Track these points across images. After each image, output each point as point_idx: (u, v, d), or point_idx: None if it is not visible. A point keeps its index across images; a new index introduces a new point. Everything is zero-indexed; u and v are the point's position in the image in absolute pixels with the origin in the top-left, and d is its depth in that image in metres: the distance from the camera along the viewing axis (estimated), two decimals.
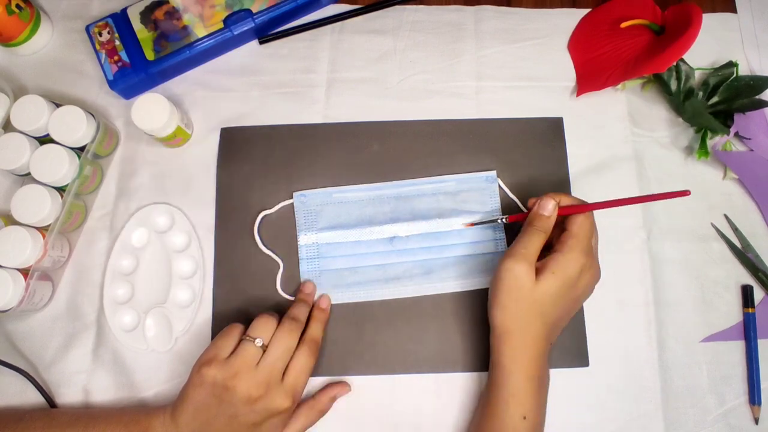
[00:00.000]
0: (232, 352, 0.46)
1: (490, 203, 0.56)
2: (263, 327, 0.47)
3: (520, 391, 0.44)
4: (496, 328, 0.46)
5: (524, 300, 0.44)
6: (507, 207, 0.56)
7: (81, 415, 0.49)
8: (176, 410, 0.45)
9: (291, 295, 0.54)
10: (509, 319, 0.45)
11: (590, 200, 0.56)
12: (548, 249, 0.47)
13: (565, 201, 0.48)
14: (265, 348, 0.46)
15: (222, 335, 0.47)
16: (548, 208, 0.47)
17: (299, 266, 0.55)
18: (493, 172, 0.56)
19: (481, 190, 0.56)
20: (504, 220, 0.53)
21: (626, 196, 0.47)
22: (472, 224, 0.55)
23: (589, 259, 0.46)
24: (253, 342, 0.46)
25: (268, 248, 0.55)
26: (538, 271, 0.45)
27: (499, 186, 0.56)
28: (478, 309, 0.53)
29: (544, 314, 0.45)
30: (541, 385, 0.46)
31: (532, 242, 0.46)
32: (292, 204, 0.56)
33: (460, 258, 0.54)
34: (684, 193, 0.41)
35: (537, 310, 0.45)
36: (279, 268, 0.55)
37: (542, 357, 0.46)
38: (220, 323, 0.53)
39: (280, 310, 0.51)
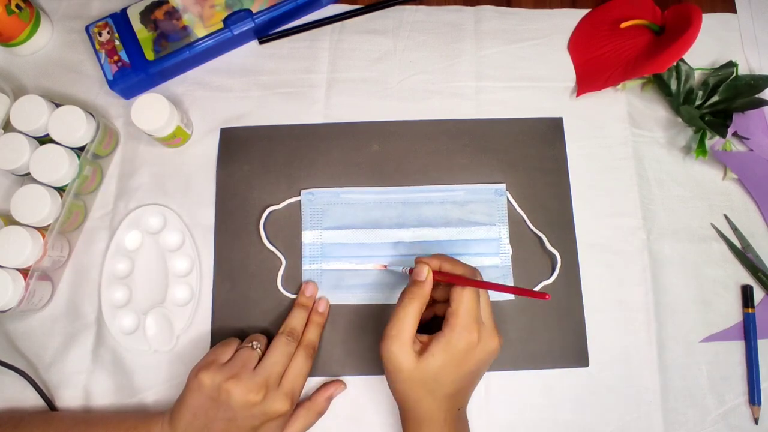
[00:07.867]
0: (230, 359, 0.46)
1: (497, 216, 0.56)
2: (259, 337, 0.49)
3: None
4: (397, 404, 0.45)
5: (406, 380, 0.42)
6: (514, 221, 0.55)
7: (79, 419, 0.49)
8: (174, 415, 0.45)
9: (292, 293, 0.54)
10: (399, 398, 0.44)
11: (590, 202, 0.56)
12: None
13: (447, 266, 0.45)
14: (262, 353, 0.47)
15: (220, 344, 0.48)
16: (422, 273, 0.45)
17: (301, 264, 0.55)
18: (503, 185, 0.56)
19: (489, 202, 0.56)
20: (406, 270, 0.49)
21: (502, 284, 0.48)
22: (385, 267, 0.54)
23: (475, 333, 0.42)
24: (251, 347, 0.46)
25: (271, 245, 0.55)
26: (422, 350, 0.42)
27: (508, 200, 0.56)
28: None
29: (434, 391, 0.43)
30: None
31: (406, 316, 0.43)
32: (298, 202, 0.56)
33: None
34: (543, 296, 0.40)
35: (423, 388, 0.42)
36: (280, 266, 0.55)
37: (444, 427, 0.43)
38: (220, 321, 0.53)
39: (281, 308, 0.51)
